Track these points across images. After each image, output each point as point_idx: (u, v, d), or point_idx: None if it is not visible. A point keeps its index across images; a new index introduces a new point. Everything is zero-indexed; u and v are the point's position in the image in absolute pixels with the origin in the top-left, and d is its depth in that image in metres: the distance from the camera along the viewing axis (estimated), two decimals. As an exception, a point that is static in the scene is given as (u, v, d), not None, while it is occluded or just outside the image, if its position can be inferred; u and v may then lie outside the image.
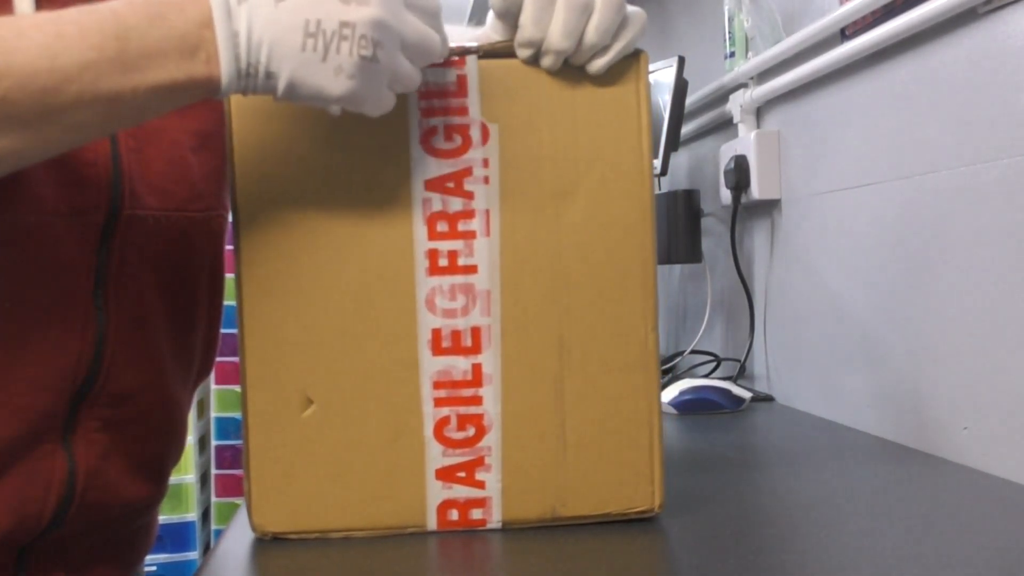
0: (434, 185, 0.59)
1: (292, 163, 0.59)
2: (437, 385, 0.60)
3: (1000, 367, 0.76)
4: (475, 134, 0.59)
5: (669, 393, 1.08)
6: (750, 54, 1.22)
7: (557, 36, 0.57)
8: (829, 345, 1.05)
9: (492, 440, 0.60)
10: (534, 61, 0.60)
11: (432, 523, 0.60)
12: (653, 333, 0.61)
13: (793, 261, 1.14)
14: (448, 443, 0.60)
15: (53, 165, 0.58)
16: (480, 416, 0.60)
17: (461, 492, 0.60)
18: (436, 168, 0.59)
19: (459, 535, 0.60)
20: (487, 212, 0.59)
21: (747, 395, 1.11)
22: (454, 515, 0.60)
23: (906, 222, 0.89)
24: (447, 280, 0.59)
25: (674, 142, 1.34)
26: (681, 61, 1.32)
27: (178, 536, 2.33)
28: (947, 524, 0.62)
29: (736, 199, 1.21)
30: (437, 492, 0.60)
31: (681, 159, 1.55)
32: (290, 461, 0.59)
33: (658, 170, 1.32)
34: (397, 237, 0.59)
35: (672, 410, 1.08)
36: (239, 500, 2.18)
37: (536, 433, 0.60)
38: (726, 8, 1.27)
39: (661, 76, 1.34)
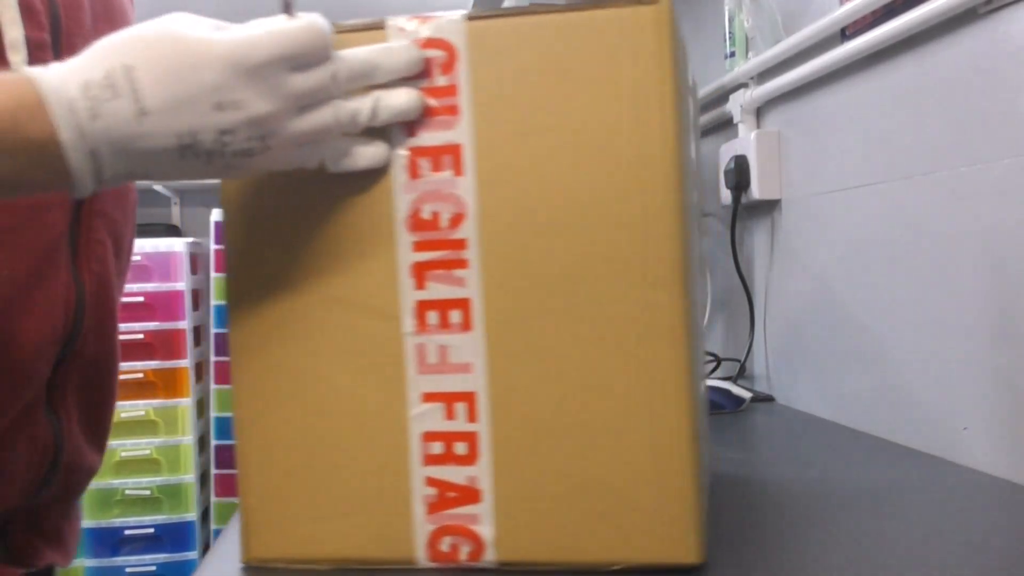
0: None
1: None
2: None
3: (1000, 367, 0.76)
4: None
5: (669, 393, 1.08)
6: (750, 54, 1.22)
7: None
8: (829, 345, 1.05)
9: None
10: None
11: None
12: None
13: (793, 261, 1.14)
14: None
15: None
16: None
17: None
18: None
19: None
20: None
21: (747, 395, 1.11)
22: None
23: (906, 222, 0.89)
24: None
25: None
26: (681, 61, 1.32)
27: (178, 536, 2.33)
28: (947, 524, 0.62)
29: (736, 199, 1.21)
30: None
31: (681, 159, 1.55)
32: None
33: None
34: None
35: (672, 410, 1.07)
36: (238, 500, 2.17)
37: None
38: (726, 8, 1.27)
39: (661, 76, 1.34)
